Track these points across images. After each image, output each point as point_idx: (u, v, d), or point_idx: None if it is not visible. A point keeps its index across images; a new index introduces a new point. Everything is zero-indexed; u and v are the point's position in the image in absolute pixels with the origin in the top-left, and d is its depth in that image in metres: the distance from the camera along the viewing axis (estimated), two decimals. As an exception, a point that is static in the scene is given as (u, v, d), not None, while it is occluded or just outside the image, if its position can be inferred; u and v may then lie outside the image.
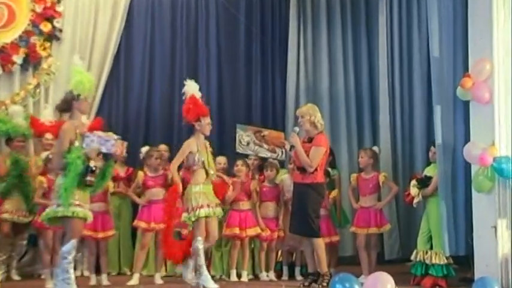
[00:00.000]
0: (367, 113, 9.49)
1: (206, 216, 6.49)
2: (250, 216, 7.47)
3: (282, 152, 7.35)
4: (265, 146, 7.36)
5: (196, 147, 6.55)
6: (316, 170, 6.69)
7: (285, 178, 7.66)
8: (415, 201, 6.99)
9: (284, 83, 9.48)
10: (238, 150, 7.53)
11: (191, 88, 6.69)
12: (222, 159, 7.78)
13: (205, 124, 6.62)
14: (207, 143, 6.70)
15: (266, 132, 7.55)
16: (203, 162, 6.54)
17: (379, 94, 9.25)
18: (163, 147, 8.02)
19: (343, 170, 8.76)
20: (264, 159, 7.77)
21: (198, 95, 6.74)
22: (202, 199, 6.46)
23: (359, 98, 9.50)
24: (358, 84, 9.48)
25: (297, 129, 6.86)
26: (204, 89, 7.91)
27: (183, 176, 6.96)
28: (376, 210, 7.43)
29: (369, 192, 7.46)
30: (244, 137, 7.46)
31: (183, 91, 6.72)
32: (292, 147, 6.78)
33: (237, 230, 7.38)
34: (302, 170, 6.73)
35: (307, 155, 6.69)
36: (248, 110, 9.47)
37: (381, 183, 7.45)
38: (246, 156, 7.71)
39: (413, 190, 6.99)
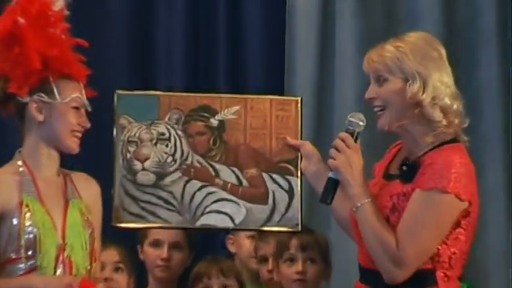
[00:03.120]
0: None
1: None
2: None
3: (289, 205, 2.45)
4: (224, 176, 2.42)
5: (19, 193, 2.29)
6: (427, 273, 2.19)
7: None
8: None
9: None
10: (116, 223, 2.42)
11: None
12: None
13: (68, 108, 2.34)
14: (81, 180, 2.46)
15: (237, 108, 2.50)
16: (35, 242, 2.25)
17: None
18: None
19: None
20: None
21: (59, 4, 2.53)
22: None
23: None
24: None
25: (360, 123, 2.25)
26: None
27: None
28: None
29: None
30: (143, 146, 2.40)
31: None
32: (335, 183, 2.25)
33: None
34: (370, 272, 2.28)
35: (393, 221, 2.23)
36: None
37: None
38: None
39: None
